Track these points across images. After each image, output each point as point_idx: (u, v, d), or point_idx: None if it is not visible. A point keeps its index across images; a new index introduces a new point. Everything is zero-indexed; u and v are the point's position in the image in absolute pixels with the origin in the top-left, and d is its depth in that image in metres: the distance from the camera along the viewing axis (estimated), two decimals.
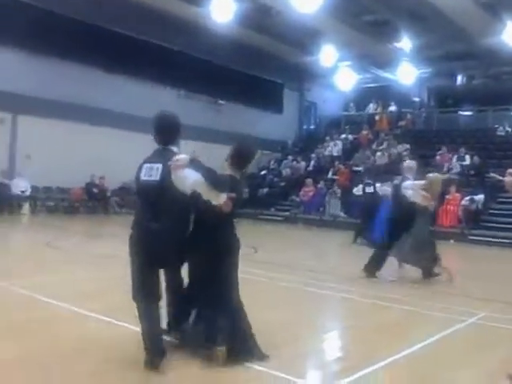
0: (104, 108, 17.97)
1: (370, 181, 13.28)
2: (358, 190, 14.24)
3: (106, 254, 8.72)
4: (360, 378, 3.67)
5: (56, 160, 16.26)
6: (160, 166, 3.80)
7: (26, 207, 16.23)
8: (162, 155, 3.86)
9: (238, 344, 3.79)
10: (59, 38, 16.29)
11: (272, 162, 23.61)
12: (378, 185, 12.77)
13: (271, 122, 24.40)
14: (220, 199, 3.68)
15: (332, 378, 3.72)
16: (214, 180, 3.68)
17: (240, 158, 4.14)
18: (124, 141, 18.03)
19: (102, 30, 17.68)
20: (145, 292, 3.79)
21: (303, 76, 25.83)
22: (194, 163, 3.71)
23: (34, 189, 16.70)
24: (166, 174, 3.72)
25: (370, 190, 12.91)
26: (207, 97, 22.48)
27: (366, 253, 11.36)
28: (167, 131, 3.99)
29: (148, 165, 3.90)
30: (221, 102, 22.96)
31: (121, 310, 4.72)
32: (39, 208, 16.81)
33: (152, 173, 3.83)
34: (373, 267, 7.74)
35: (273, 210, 19.93)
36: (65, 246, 9.93)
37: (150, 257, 3.79)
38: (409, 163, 8.06)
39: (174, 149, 3.95)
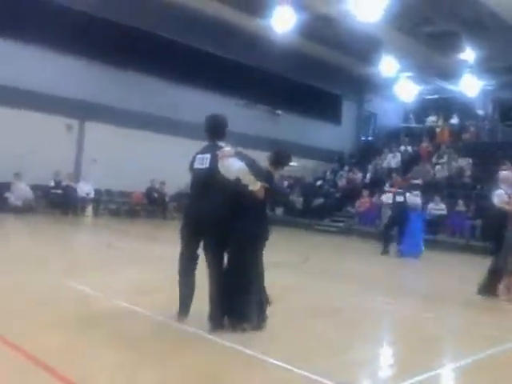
0: (165, 116, 18.59)
1: (401, 190, 13.36)
2: (387, 198, 14.28)
3: (162, 256, 9.00)
4: None
5: (119, 165, 16.95)
6: (209, 156, 4.60)
7: (90, 209, 16.99)
8: (211, 148, 4.66)
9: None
10: (124, 48, 17.13)
11: (328, 173, 23.54)
12: (408, 194, 12.98)
13: (328, 133, 24.41)
14: (256, 186, 4.42)
15: None
16: (255, 168, 4.50)
17: (277, 160, 4.88)
18: (183, 148, 18.42)
19: (165, 41, 18.40)
20: (186, 266, 4.64)
21: (363, 87, 25.70)
22: (239, 154, 4.54)
23: (98, 192, 17.46)
24: (214, 162, 4.50)
25: (400, 199, 12.89)
26: (265, 106, 22.77)
27: (414, 265, 11.25)
28: (215, 129, 4.80)
29: (200, 155, 4.72)
30: (278, 112, 23.18)
31: (170, 308, 4.99)
32: (102, 211, 17.55)
33: (203, 162, 4.63)
34: (490, 286, 7.24)
35: (327, 220, 19.85)
36: (125, 247, 10.34)
37: (195, 229, 4.59)
38: (504, 174, 7.97)
39: (221, 143, 4.69)
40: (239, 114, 21.65)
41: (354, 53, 20.55)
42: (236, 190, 4.46)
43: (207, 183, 4.55)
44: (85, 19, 16.29)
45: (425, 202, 14.10)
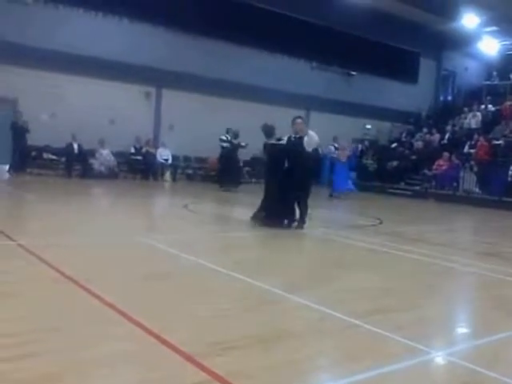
0: (240, 82, 18.77)
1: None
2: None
3: (233, 218, 9.35)
4: (479, 346, 3.70)
5: (195, 131, 17.43)
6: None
7: (168, 174, 17.71)
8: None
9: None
10: (199, 15, 17.32)
11: (404, 135, 22.93)
12: (330, 147, 16.76)
13: (405, 93, 23.67)
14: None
15: (450, 345, 3.76)
16: None
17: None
18: (257, 113, 18.70)
19: (239, 5, 18.37)
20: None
21: (442, 43, 24.55)
22: None
23: (175, 158, 18.10)
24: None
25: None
26: (339, 68, 22.37)
27: (495, 229, 10.91)
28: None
29: None
30: (352, 73, 22.70)
31: (242, 266, 5.30)
32: (179, 175, 18.23)
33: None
34: None
35: (402, 184, 19.48)
36: (199, 209, 10.77)
37: None
38: None
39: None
40: (313, 77, 21.49)
41: (433, 7, 19.65)
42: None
43: None
44: None
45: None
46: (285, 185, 7.99)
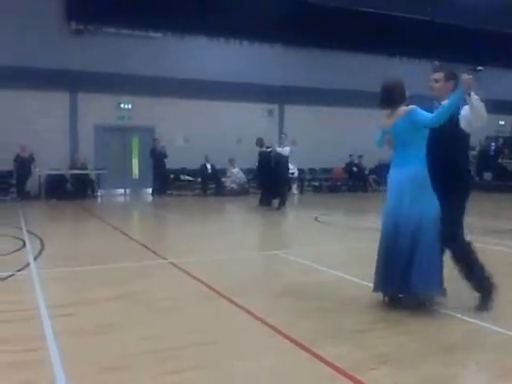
0: (360, 90, 18.58)
1: None
2: None
3: (366, 227, 9.27)
4: None
5: (318, 143, 17.61)
6: None
7: (295, 187, 18.05)
8: None
9: None
10: (312, 30, 17.57)
11: None
12: None
13: None
14: None
15: None
16: None
17: None
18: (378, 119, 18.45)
19: (352, 14, 18.35)
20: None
21: None
22: None
23: (301, 171, 18.40)
24: None
25: None
26: (463, 64, 21.27)
27: None
28: None
29: None
30: (479, 67, 21.46)
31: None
32: (306, 188, 18.48)
33: None
34: None
35: None
36: (330, 220, 10.84)
37: None
38: None
39: None
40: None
41: None
42: None
43: None
44: (274, 5, 17.10)
45: None
46: None
